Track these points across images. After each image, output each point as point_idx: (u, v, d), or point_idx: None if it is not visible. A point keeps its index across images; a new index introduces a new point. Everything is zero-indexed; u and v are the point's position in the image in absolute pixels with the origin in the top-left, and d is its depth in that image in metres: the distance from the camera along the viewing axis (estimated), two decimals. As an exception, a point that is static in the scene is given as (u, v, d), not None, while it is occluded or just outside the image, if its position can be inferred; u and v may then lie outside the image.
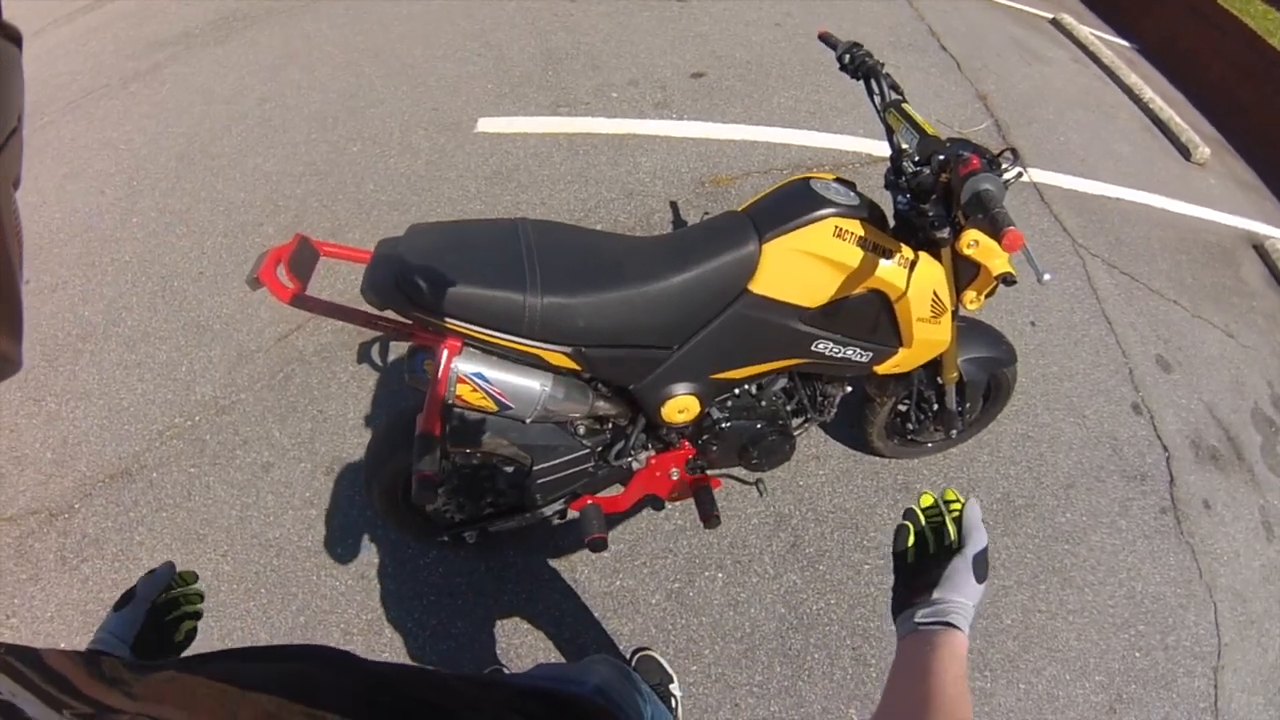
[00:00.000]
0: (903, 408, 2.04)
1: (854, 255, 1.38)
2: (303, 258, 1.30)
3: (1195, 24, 4.58)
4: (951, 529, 0.75)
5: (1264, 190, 3.96)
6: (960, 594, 0.69)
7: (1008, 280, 1.44)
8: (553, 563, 2.03)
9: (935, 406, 1.95)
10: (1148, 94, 4.09)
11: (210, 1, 4.82)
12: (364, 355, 2.46)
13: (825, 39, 1.74)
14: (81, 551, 1.99)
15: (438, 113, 3.48)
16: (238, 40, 4.31)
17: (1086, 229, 3.21)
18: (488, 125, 3.40)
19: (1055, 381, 2.61)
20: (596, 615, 1.93)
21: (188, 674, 0.44)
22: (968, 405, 1.95)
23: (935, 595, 0.69)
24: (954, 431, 2.06)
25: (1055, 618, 2.05)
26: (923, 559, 0.76)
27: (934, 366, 1.79)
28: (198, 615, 0.85)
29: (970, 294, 1.55)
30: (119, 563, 1.97)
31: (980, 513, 0.76)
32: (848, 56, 1.63)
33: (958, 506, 0.77)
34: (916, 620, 0.69)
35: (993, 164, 1.30)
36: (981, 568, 0.71)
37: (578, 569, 2.02)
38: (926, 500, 0.80)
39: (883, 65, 1.60)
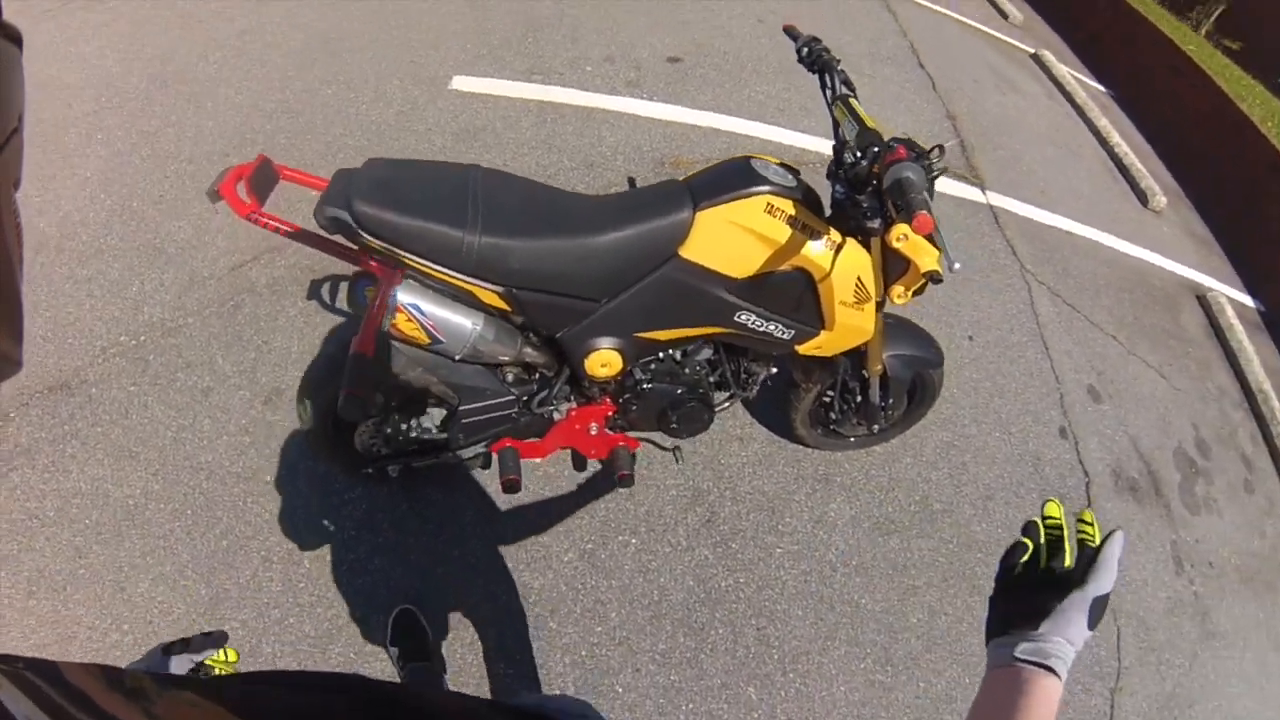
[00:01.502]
0: (827, 397, 2.12)
1: (783, 232, 1.46)
2: (263, 177, 1.37)
3: (1168, 76, 4.75)
4: (1069, 552, 0.68)
5: (1214, 245, 4.14)
6: (1068, 635, 0.62)
7: (934, 278, 1.51)
8: (473, 509, 2.07)
9: (859, 398, 2.03)
10: (1115, 138, 4.25)
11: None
12: (314, 292, 2.47)
13: (789, 32, 1.80)
14: (12, 460, 1.98)
15: (415, 65, 3.48)
16: (222, -32, 4.24)
17: (1037, 256, 3.33)
18: (462, 84, 3.41)
19: (986, 396, 2.71)
20: (510, 565, 1.99)
21: (210, 700, 0.44)
22: (890, 401, 2.03)
23: (1043, 629, 0.63)
24: (876, 426, 2.14)
25: (960, 622, 2.13)
26: (1031, 576, 0.69)
27: (859, 357, 1.87)
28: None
29: (898, 289, 1.62)
30: (49, 474, 1.96)
31: (1121, 551, 0.67)
32: (806, 50, 1.70)
33: (1092, 532, 0.69)
34: (1016, 654, 0.63)
35: (921, 157, 1.37)
36: (1098, 612, 0.64)
37: (495, 519, 2.07)
38: (1052, 510, 0.72)
39: (838, 61, 1.66)
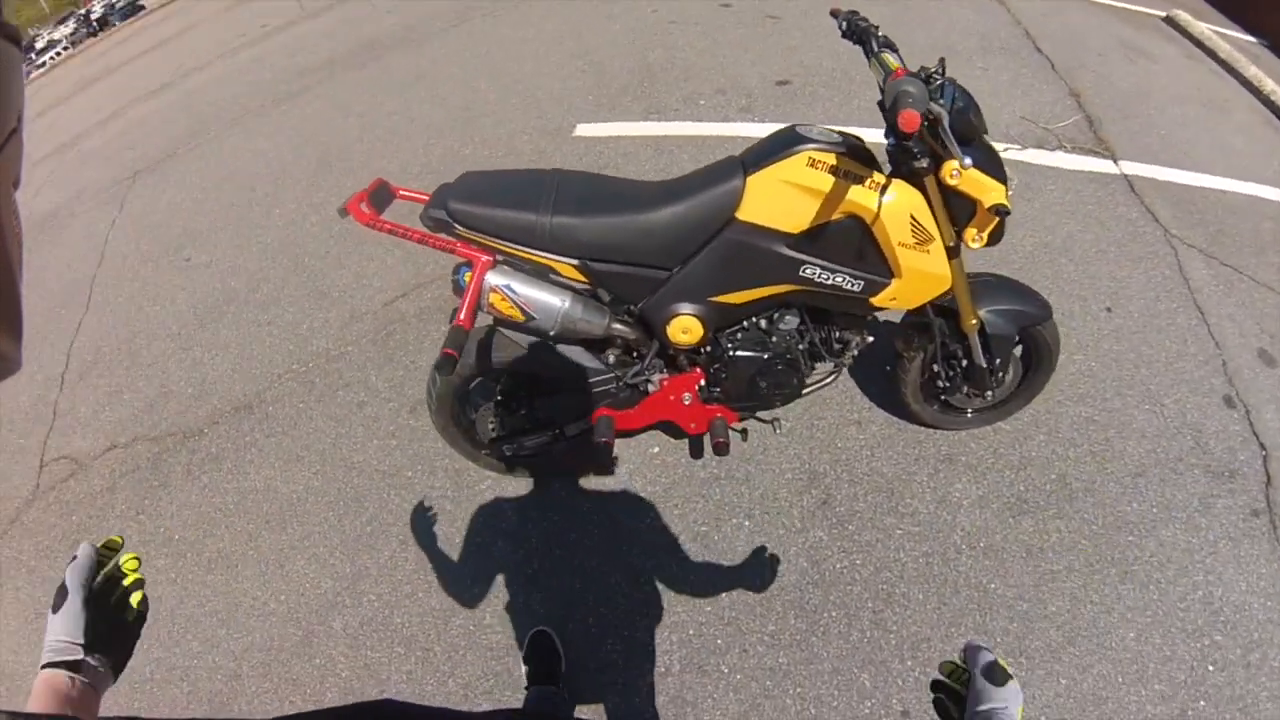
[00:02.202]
0: (935, 366, 2.05)
1: (827, 182, 1.50)
2: (380, 195, 1.64)
3: None
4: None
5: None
6: None
7: (1000, 210, 1.49)
8: (589, 496, 2.19)
9: (964, 362, 1.95)
10: (1269, 85, 3.77)
11: (352, 33, 5.60)
12: (454, 317, 2.80)
13: (833, 14, 1.85)
14: (204, 465, 2.47)
15: (541, 120, 3.87)
16: (374, 65, 4.99)
17: (1182, 220, 3.02)
18: (585, 130, 3.74)
19: (1130, 368, 2.46)
20: (622, 547, 2.07)
21: None
22: (999, 362, 1.93)
23: None
24: (989, 393, 2.04)
25: (1110, 612, 1.89)
26: None
27: (954, 317, 1.82)
28: (141, 584, 0.77)
29: (971, 231, 1.60)
30: (231, 475, 2.42)
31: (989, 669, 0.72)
32: (845, 24, 1.75)
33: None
34: None
35: (928, 80, 1.40)
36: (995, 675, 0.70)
37: (611, 504, 2.17)
38: (948, 668, 0.76)
39: (877, 28, 1.69)
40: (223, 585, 2.14)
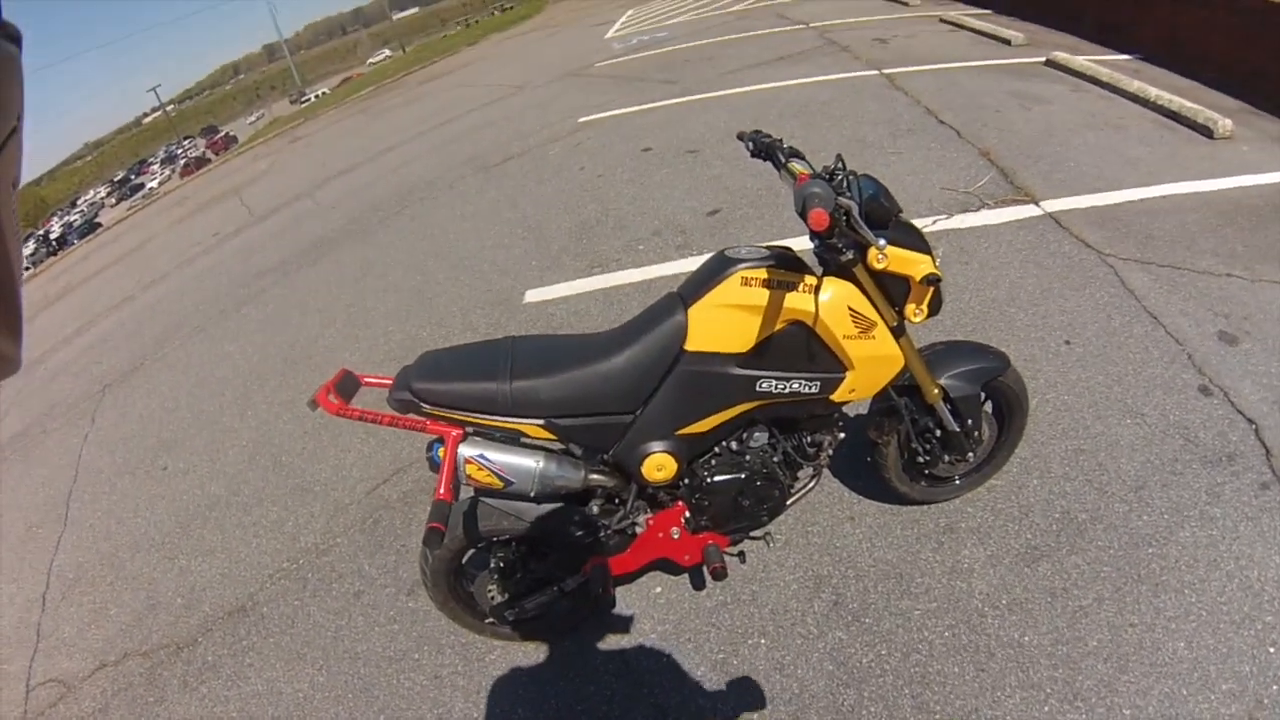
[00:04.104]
0: (912, 444, 2.06)
1: (762, 296, 1.57)
2: (347, 385, 1.70)
3: (1186, 10, 4.60)
4: None
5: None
6: None
7: (932, 280, 1.57)
8: (602, 648, 2.13)
9: (938, 433, 1.98)
10: (1153, 93, 4.09)
11: (300, 232, 5.88)
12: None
13: (740, 138, 1.99)
14: (201, 675, 2.37)
15: (491, 293, 4.03)
16: (325, 261, 5.21)
17: (1112, 238, 3.17)
18: (533, 295, 3.91)
19: (1102, 389, 2.51)
20: (644, 693, 1.99)
21: None
22: (970, 423, 1.96)
23: None
24: (969, 455, 2.05)
25: (1153, 629, 1.84)
26: None
27: (916, 392, 1.86)
28: None
29: (911, 307, 1.66)
30: (231, 682, 2.31)
31: None
32: (751, 144, 1.88)
33: None
34: None
35: (831, 177, 1.51)
36: None
37: (624, 653, 2.10)
38: None
39: (781, 140, 1.83)
40: (236, 804, 2.01)
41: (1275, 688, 1.67)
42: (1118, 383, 2.53)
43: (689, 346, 1.63)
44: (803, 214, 1.35)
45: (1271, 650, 1.74)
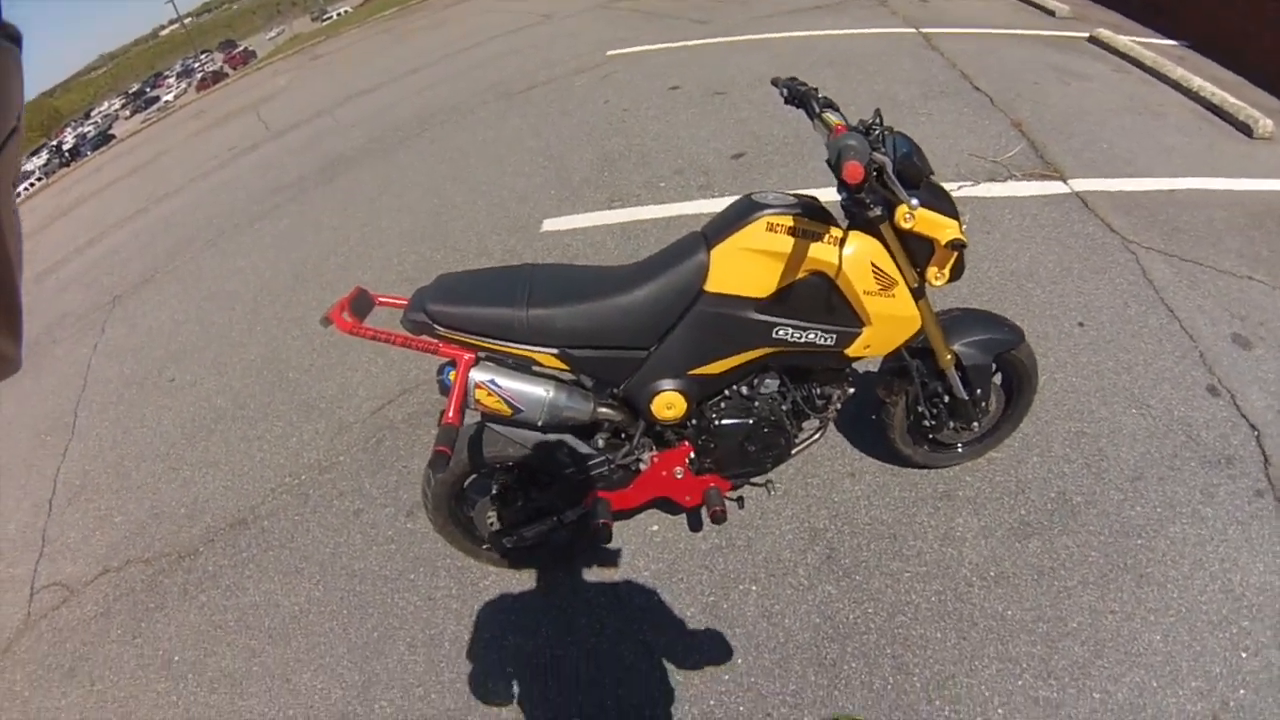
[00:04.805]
0: (919, 407, 2.07)
1: (786, 244, 1.55)
2: (361, 304, 1.68)
3: (1239, 2, 4.43)
4: None
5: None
6: None
7: (957, 245, 1.56)
8: (595, 580, 2.17)
9: (946, 398, 1.98)
10: (1196, 83, 3.97)
11: (318, 149, 5.79)
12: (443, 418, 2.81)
13: (774, 83, 1.94)
14: (201, 584, 2.43)
15: (509, 219, 3.98)
16: (342, 179, 5.14)
17: (1137, 225, 3.12)
18: (551, 225, 3.85)
19: (1110, 376, 2.51)
20: (633, 628, 2.04)
21: None
22: (980, 393, 1.96)
23: None
24: (975, 424, 2.06)
25: (1132, 618, 1.88)
26: None
27: (929, 355, 1.86)
28: None
29: (933, 270, 1.64)
30: (230, 592, 2.37)
31: None
32: (786, 90, 1.84)
33: None
34: None
35: (867, 132, 1.47)
36: None
37: (617, 586, 2.15)
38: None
39: (816, 90, 1.78)
40: (227, 705, 2.08)
41: (1243, 691, 1.71)
42: (1127, 371, 2.52)
43: (709, 287, 1.62)
44: (836, 165, 1.33)
45: (1244, 655, 1.77)
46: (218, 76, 36.34)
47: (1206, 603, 1.89)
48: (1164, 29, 5.09)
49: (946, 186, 1.73)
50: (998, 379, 2.09)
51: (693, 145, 4.24)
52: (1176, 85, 4.12)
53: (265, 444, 2.91)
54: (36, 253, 7.73)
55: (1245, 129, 3.73)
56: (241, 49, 60.44)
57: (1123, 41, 4.66)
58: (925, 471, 2.28)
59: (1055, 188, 3.44)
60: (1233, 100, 3.85)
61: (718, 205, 3.61)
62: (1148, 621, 1.87)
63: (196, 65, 69.15)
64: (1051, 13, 5.55)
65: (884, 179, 1.41)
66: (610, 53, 7.08)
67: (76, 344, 4.61)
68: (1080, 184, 3.41)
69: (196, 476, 2.91)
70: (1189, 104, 4.04)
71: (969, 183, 3.56)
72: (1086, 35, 5.00)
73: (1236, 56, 4.49)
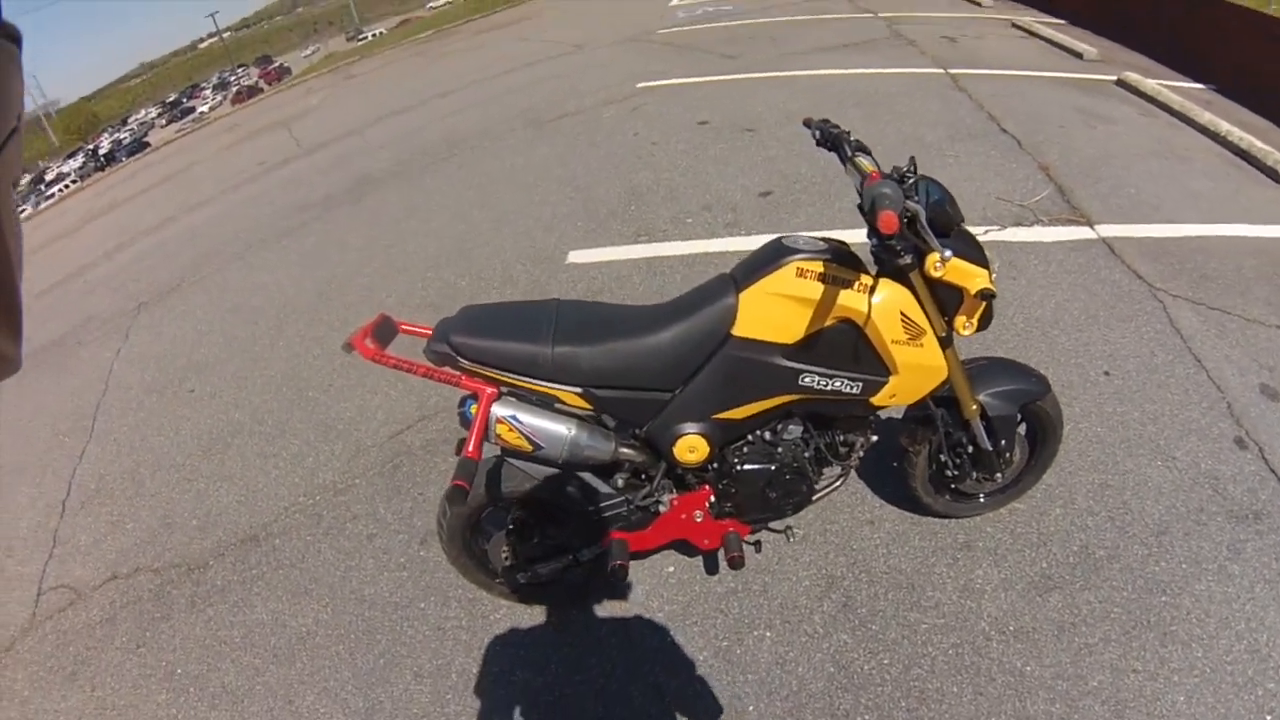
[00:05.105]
0: (941, 457, 2.04)
1: (816, 290, 1.54)
2: (384, 331, 1.69)
3: (1268, 47, 4.42)
4: None
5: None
6: None
7: (986, 295, 1.55)
8: (608, 621, 2.15)
9: (969, 449, 1.95)
10: (1224, 128, 3.96)
11: (347, 169, 5.88)
12: (461, 447, 2.80)
13: (806, 124, 1.95)
14: (209, 597, 2.44)
15: (534, 249, 4.01)
16: (369, 199, 5.21)
17: (1165, 272, 3.08)
18: (577, 257, 3.87)
19: (1136, 427, 2.46)
20: (645, 670, 2.01)
21: None
22: (1004, 444, 1.93)
23: None
24: (998, 475, 2.03)
25: (1155, 678, 1.83)
26: None
27: (954, 405, 1.84)
28: None
29: (961, 319, 1.64)
30: (237, 608, 2.38)
31: None
32: (819, 132, 1.84)
33: None
34: None
35: (902, 179, 1.47)
36: None
37: (629, 626, 2.12)
38: None
39: (849, 133, 1.79)
40: (227, 722, 2.08)
41: (1267, 757, 1.64)
42: (1153, 421, 2.47)
43: (736, 331, 1.62)
44: (871, 213, 1.33)
45: (1268, 718, 1.72)
46: (252, 91, 37.18)
47: (1232, 663, 1.83)
48: (1192, 73, 5.09)
49: (972, 230, 1.72)
50: (1022, 429, 2.05)
51: (720, 182, 4.27)
52: (1204, 130, 4.11)
53: (281, 461, 2.93)
54: (65, 254, 7.90)
55: (1274, 174, 3.70)
56: (277, 65, 61.89)
57: (1150, 85, 4.65)
58: (945, 521, 2.24)
59: (1082, 233, 3.42)
60: (1260, 145, 3.84)
61: (745, 243, 3.65)
62: (1171, 682, 1.81)
63: (232, 79, 70.85)
64: (1079, 55, 5.57)
65: (917, 228, 1.40)
66: (640, 85, 7.17)
67: (101, 347, 4.68)
68: (1107, 229, 3.39)
69: (210, 489, 2.93)
70: (1216, 149, 4.03)
71: (995, 227, 3.54)
72: (1114, 78, 5.00)
73: (1264, 101, 4.48)
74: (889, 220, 1.29)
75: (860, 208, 1.58)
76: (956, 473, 2.02)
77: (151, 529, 2.86)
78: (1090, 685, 1.83)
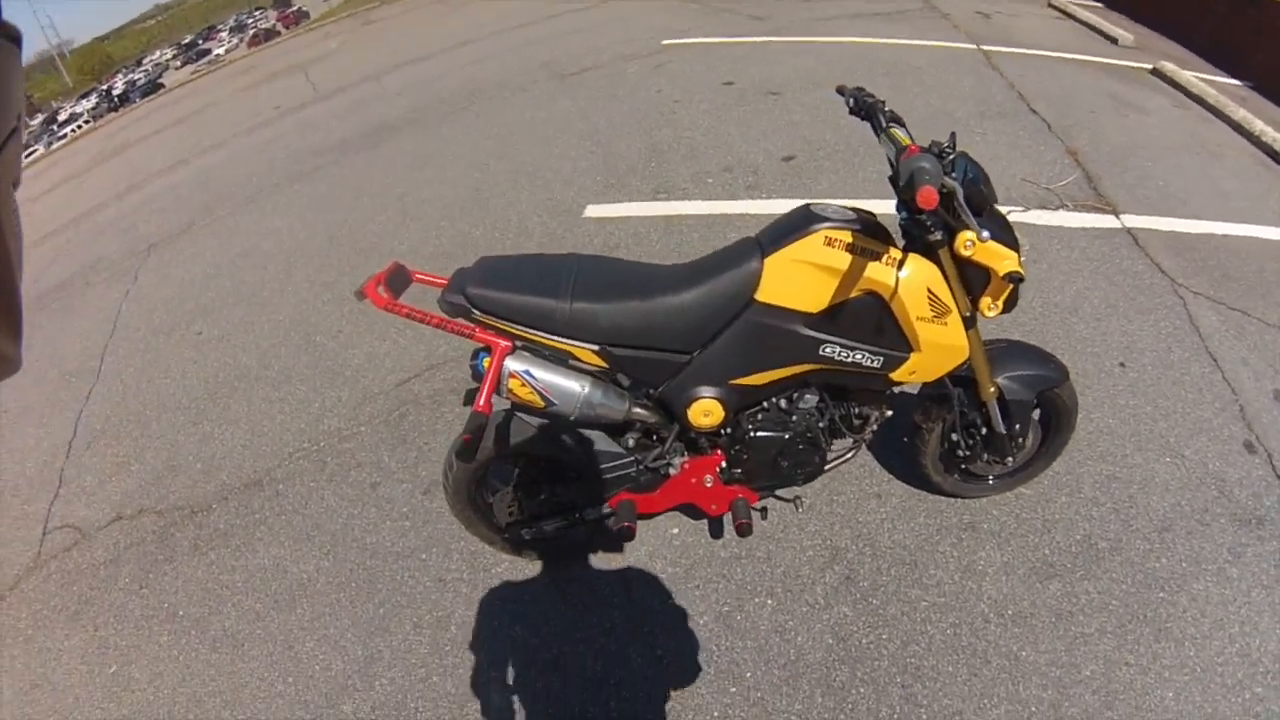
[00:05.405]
0: (954, 436, 2.03)
1: (844, 260, 1.51)
2: (397, 279, 1.65)
3: None
4: None
5: None
6: None
7: (1015, 278, 1.51)
8: (609, 579, 2.16)
9: (983, 430, 1.94)
10: (1258, 126, 3.86)
11: (363, 115, 5.79)
12: (469, 399, 2.79)
13: (839, 91, 1.90)
14: (211, 541, 2.46)
15: (552, 202, 3.95)
16: (385, 146, 5.14)
17: (1187, 268, 3.04)
18: (594, 211, 3.81)
19: (1148, 421, 2.45)
20: (645, 629, 2.03)
21: None
22: (1018, 428, 1.92)
23: None
24: (1009, 459, 2.02)
25: (1147, 673, 1.84)
26: None
27: (972, 385, 1.81)
28: None
29: (986, 300, 1.61)
30: (239, 553, 2.40)
31: None
32: (853, 100, 1.79)
33: None
34: None
35: (940, 155, 1.42)
36: None
37: (632, 587, 2.13)
38: None
39: (884, 103, 1.74)
40: (228, 665, 2.10)
41: (1250, 759, 1.65)
42: (1165, 417, 2.45)
43: (760, 297, 1.59)
44: (908, 188, 1.29)
45: (1254, 721, 1.72)
46: (269, 34, 36.58)
47: (1223, 665, 1.84)
48: (1228, 68, 4.97)
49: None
50: (1037, 415, 2.04)
51: (743, 143, 4.19)
52: (1238, 127, 4.01)
53: (287, 407, 2.92)
54: (76, 195, 7.84)
55: (1305, 179, 3.61)
56: (295, 8, 60.71)
57: (1186, 76, 4.54)
58: (951, 500, 2.24)
59: (1107, 221, 3.36)
60: (1293, 146, 3.74)
61: (765, 206, 3.60)
62: (1162, 677, 1.83)
63: (250, 21, 69.62)
64: (1115, 40, 5.43)
65: (953, 205, 1.37)
66: (665, 42, 7.01)
67: (109, 289, 4.66)
68: (1132, 220, 3.33)
69: (216, 433, 2.93)
70: (1249, 147, 3.94)
71: (1019, 208, 3.48)
72: (1149, 67, 4.88)
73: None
74: (929, 196, 1.25)
75: (892, 179, 1.54)
76: (968, 453, 2.01)
77: (156, 471, 2.87)
78: (1083, 674, 1.85)
